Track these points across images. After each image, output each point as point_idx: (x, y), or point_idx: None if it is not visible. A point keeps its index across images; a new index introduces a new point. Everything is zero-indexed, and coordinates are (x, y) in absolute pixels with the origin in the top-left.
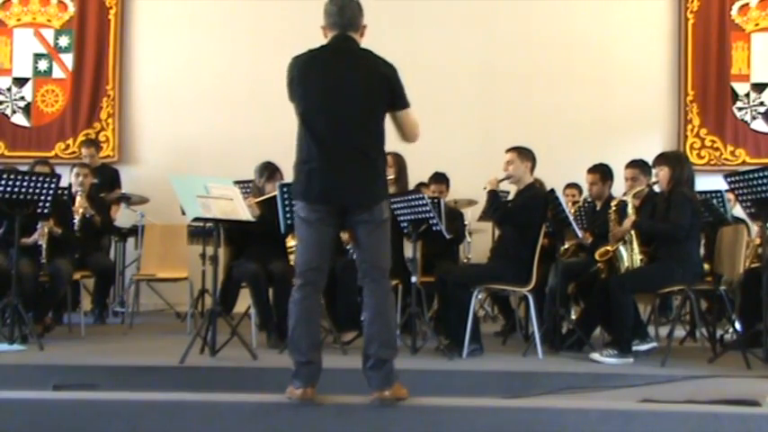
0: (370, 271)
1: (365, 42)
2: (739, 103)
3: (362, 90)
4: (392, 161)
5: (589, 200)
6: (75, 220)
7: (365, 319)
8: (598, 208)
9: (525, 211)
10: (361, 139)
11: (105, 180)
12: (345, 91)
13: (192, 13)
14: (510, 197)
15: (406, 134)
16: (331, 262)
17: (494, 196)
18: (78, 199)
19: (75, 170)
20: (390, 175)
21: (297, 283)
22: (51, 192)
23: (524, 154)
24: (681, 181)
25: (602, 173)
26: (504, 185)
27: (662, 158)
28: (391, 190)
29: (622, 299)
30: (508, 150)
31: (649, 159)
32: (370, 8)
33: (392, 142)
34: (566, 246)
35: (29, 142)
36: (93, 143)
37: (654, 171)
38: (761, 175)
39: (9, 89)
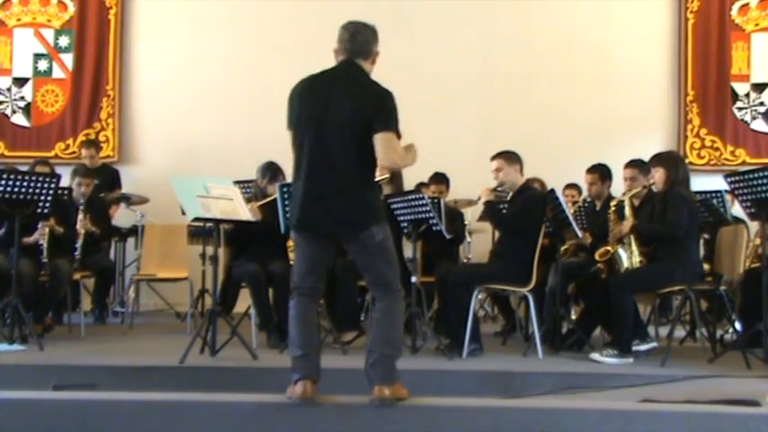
0: (375, 287)
1: None
2: (739, 103)
3: (353, 121)
4: None
5: (589, 200)
6: (78, 245)
7: (373, 318)
8: (598, 208)
9: (525, 215)
10: (348, 170)
11: (105, 180)
12: (336, 121)
13: (191, 13)
14: (508, 197)
15: (380, 157)
16: (331, 262)
17: (491, 206)
18: (80, 217)
19: (77, 179)
20: (384, 175)
21: (293, 292)
22: (51, 192)
23: (510, 158)
24: (676, 181)
25: (600, 173)
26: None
27: (657, 159)
28: (387, 190)
29: (622, 299)
30: (493, 158)
31: (647, 160)
32: (371, 9)
33: None
34: (565, 245)
35: (29, 142)
36: (94, 144)
37: (650, 172)
38: (761, 175)
39: (9, 89)
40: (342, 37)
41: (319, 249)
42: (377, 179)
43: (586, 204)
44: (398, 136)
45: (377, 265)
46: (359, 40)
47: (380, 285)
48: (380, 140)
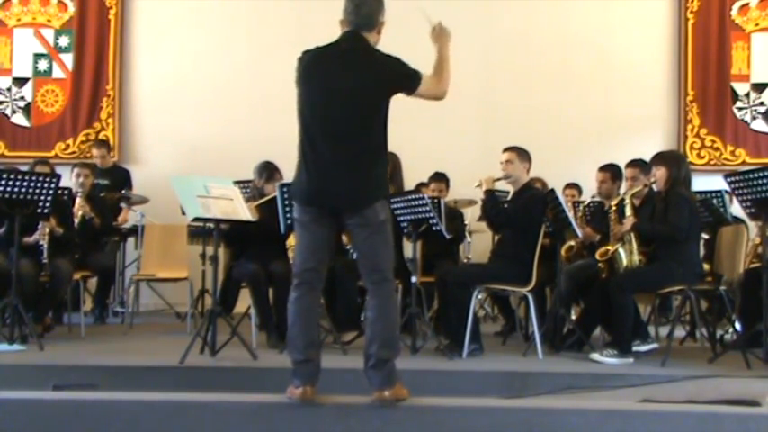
0: (371, 274)
1: None
2: (739, 103)
3: (360, 93)
4: None
5: (597, 199)
6: (75, 222)
7: (368, 318)
8: (606, 207)
9: (525, 214)
10: (355, 142)
11: (117, 181)
12: (343, 93)
13: (192, 13)
14: (508, 197)
15: (434, 99)
16: (331, 262)
17: (490, 196)
18: (78, 200)
19: (76, 170)
20: None
21: (294, 282)
22: (51, 192)
23: (522, 154)
24: (678, 181)
25: (612, 173)
26: (501, 185)
27: (659, 158)
28: None
29: (622, 299)
30: (506, 150)
31: (648, 160)
32: None
33: (388, 141)
34: (572, 243)
35: (29, 142)
36: (105, 144)
37: (652, 171)
38: (761, 175)
39: (9, 89)
40: (347, 8)
41: (324, 230)
42: None
43: (594, 204)
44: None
45: (374, 246)
46: (363, 11)
47: (374, 271)
48: (422, 94)
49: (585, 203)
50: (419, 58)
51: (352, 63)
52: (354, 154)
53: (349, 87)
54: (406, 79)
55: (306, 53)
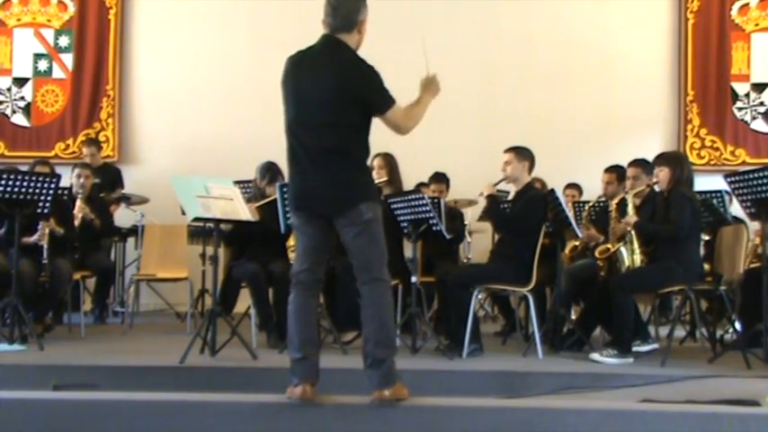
0: (361, 273)
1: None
2: (739, 103)
3: (333, 97)
4: (383, 162)
5: (603, 199)
6: (75, 224)
7: (362, 318)
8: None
9: (527, 216)
10: (332, 146)
11: (107, 180)
12: (316, 98)
13: (191, 12)
14: (510, 197)
15: (397, 131)
16: (331, 262)
17: (493, 201)
18: (78, 203)
19: (77, 171)
20: (383, 177)
21: (292, 282)
22: (51, 192)
23: (522, 154)
24: (681, 181)
25: (618, 174)
26: (503, 185)
27: (662, 158)
28: (386, 191)
29: (622, 299)
30: (506, 151)
31: (650, 159)
32: (370, 9)
33: (388, 141)
34: (575, 243)
35: (29, 142)
36: (95, 143)
37: (654, 171)
38: (761, 175)
39: (9, 89)
40: (326, 10)
41: (317, 232)
42: (376, 182)
43: (600, 204)
44: (391, 104)
45: (360, 245)
46: (341, 13)
47: (363, 270)
48: (389, 120)
49: (591, 204)
50: (403, 59)
51: (320, 68)
52: (332, 158)
53: (324, 93)
54: (376, 98)
55: (288, 59)
